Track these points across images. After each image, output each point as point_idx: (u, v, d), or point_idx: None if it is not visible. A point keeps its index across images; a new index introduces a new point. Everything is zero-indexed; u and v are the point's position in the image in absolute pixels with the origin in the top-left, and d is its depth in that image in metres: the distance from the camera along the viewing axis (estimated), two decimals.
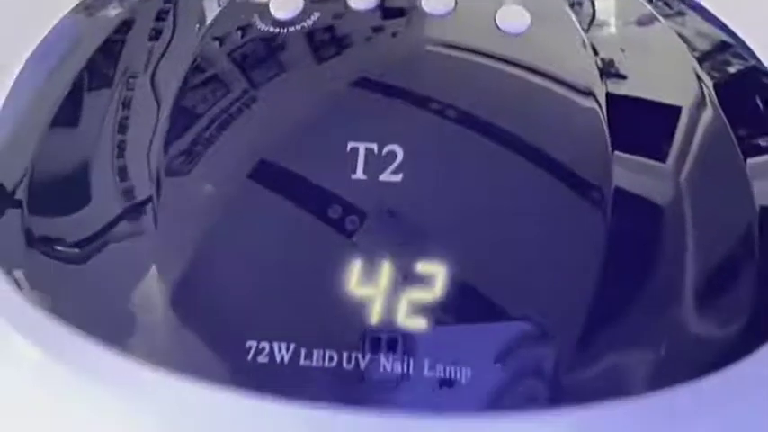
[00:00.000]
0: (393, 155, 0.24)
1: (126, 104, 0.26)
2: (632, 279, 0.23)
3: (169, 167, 0.24)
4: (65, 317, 0.24)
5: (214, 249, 0.24)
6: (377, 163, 0.24)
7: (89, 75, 0.27)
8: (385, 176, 0.24)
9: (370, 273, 0.23)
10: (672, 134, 0.26)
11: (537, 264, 0.23)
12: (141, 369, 0.23)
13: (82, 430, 0.24)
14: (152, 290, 0.23)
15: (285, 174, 0.24)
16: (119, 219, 0.24)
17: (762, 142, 0.27)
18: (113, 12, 0.29)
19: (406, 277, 0.23)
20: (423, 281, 0.23)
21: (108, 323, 0.24)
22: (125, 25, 0.28)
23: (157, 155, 0.25)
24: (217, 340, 0.23)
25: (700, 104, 0.27)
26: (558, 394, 0.22)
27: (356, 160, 0.24)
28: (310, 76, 0.26)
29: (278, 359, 0.22)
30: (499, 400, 0.22)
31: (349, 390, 0.22)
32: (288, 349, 0.22)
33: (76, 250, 0.25)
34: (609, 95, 0.26)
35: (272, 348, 0.22)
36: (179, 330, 0.23)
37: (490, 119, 0.25)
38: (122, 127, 0.26)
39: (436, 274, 0.23)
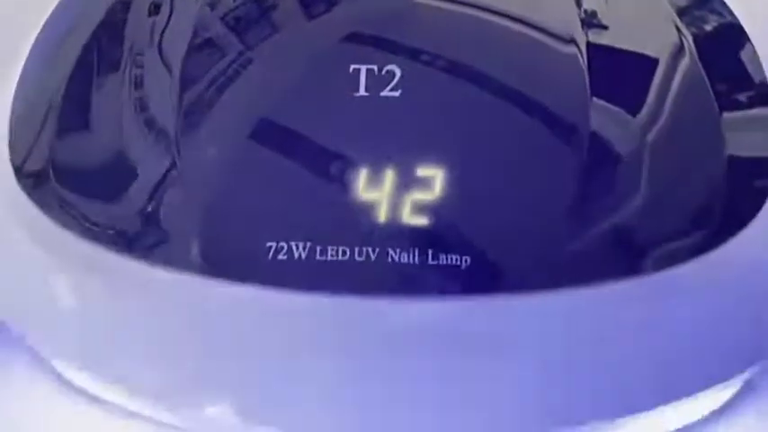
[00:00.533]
0: (392, 74, 0.26)
1: (138, 83, 0.29)
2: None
3: (189, 99, 0.27)
4: (92, 236, 0.26)
5: (234, 161, 0.26)
6: (378, 81, 0.26)
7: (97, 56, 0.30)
8: (386, 92, 0.26)
9: (375, 178, 0.25)
10: (649, 84, 0.28)
11: (523, 171, 0.26)
12: (169, 275, 0.25)
13: (114, 337, 0.26)
14: (176, 202, 0.26)
15: (295, 95, 0.26)
16: (141, 142, 0.27)
17: (739, 97, 0.30)
18: None
19: (408, 180, 0.25)
20: (423, 183, 0.25)
21: (134, 237, 0.26)
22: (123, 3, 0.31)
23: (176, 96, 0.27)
24: (239, 243, 0.25)
25: (679, 57, 0.29)
26: (548, 278, 0.25)
27: (358, 80, 0.26)
28: (307, 25, 0.29)
29: (296, 256, 0.24)
30: (498, 283, 0.24)
31: (361, 279, 0.24)
32: (304, 247, 0.25)
33: (101, 173, 0.27)
34: (590, 44, 0.28)
35: (289, 247, 0.25)
36: (203, 237, 0.25)
37: (476, 59, 0.27)
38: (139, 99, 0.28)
39: (435, 177, 0.25)
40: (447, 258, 0.24)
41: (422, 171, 0.25)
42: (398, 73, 0.26)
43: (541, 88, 0.27)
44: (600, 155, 0.26)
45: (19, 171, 0.28)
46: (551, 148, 0.26)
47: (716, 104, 0.28)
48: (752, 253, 0.27)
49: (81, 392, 0.30)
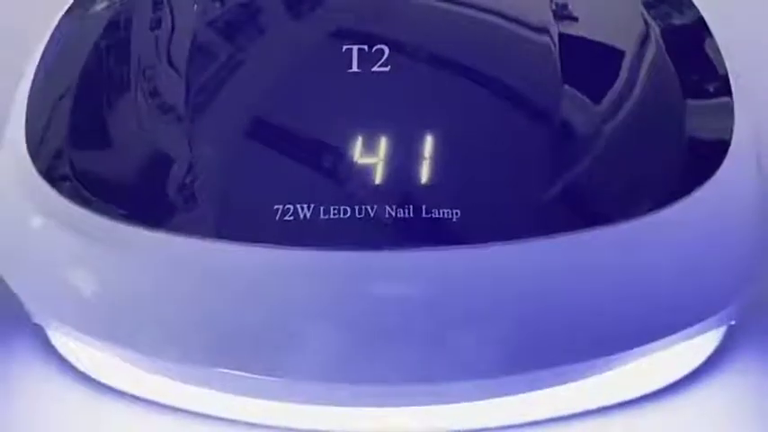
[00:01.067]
0: (381, 52, 0.29)
1: (148, 73, 0.31)
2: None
3: (197, 65, 0.29)
4: (104, 210, 0.29)
5: (239, 133, 0.29)
6: (368, 58, 0.29)
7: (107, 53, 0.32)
8: (377, 68, 0.29)
9: (371, 143, 0.28)
10: (619, 65, 0.31)
11: (502, 133, 0.29)
12: (184, 241, 0.28)
13: (132, 300, 0.28)
14: (188, 174, 0.28)
15: (295, 74, 0.29)
16: (152, 121, 0.29)
17: (703, 87, 0.32)
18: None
19: (401, 144, 0.28)
20: (414, 146, 0.28)
21: (147, 207, 0.28)
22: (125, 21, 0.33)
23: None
24: (248, 208, 0.27)
25: (646, 48, 0.32)
26: (528, 227, 0.27)
27: (352, 56, 0.29)
28: (300, 17, 0.31)
29: (301, 216, 0.27)
30: (486, 234, 0.27)
31: (362, 235, 0.27)
32: (309, 208, 0.27)
33: (113, 151, 0.29)
34: (561, 35, 0.31)
35: (295, 208, 0.27)
36: (215, 205, 0.28)
37: (457, 41, 0.30)
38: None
39: (424, 140, 0.28)
40: (439, 212, 0.27)
41: (412, 135, 0.28)
42: (387, 51, 0.29)
43: (517, 64, 0.30)
44: (572, 122, 0.29)
45: (36, 158, 0.30)
46: (527, 113, 0.29)
47: (681, 91, 0.31)
48: (708, 208, 0.29)
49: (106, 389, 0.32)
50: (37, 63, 0.33)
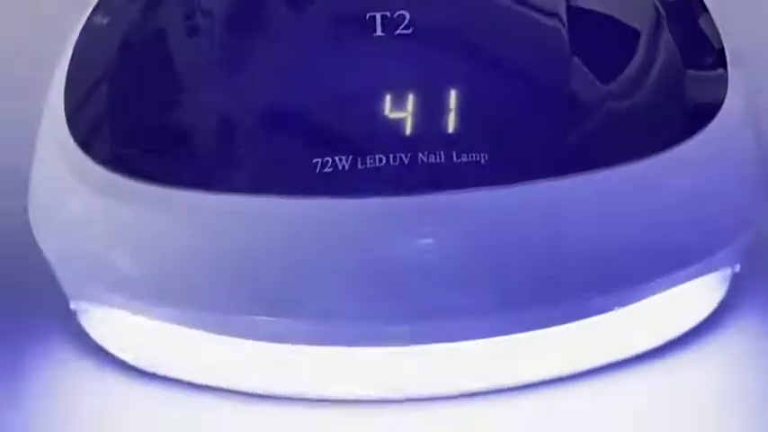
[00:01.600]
0: (402, 17, 0.31)
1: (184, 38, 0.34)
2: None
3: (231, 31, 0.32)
4: (143, 176, 0.31)
5: (277, 93, 0.31)
6: (391, 24, 0.31)
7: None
8: (400, 32, 0.31)
9: (401, 96, 0.30)
10: (625, 37, 0.33)
11: (520, 85, 0.31)
12: (227, 198, 0.30)
13: (182, 257, 0.30)
14: (230, 134, 0.30)
15: (326, 37, 0.32)
16: (187, 81, 0.32)
17: (702, 60, 0.34)
18: None
19: (428, 96, 0.30)
20: (440, 98, 0.30)
21: (188, 170, 0.30)
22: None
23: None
24: (290, 162, 0.30)
25: (650, 19, 0.34)
26: (549, 167, 0.29)
27: (376, 22, 0.31)
28: None
29: (340, 167, 0.29)
30: (512, 174, 0.29)
31: (398, 180, 0.29)
32: (347, 159, 0.29)
33: (152, 116, 0.32)
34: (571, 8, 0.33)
35: (334, 160, 0.29)
36: (258, 162, 0.30)
37: (471, 11, 0.33)
38: None
39: (450, 93, 0.30)
40: (469, 156, 0.29)
41: (438, 89, 0.30)
42: (408, 16, 0.31)
43: (529, 26, 0.32)
44: (583, 76, 0.31)
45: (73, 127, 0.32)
46: (542, 68, 0.31)
47: (681, 60, 0.33)
48: (710, 149, 0.32)
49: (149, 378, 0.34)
50: (76, 39, 0.35)
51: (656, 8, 0.34)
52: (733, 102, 0.33)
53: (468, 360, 0.31)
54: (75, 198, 0.32)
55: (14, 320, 0.38)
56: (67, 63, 0.34)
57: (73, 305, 0.35)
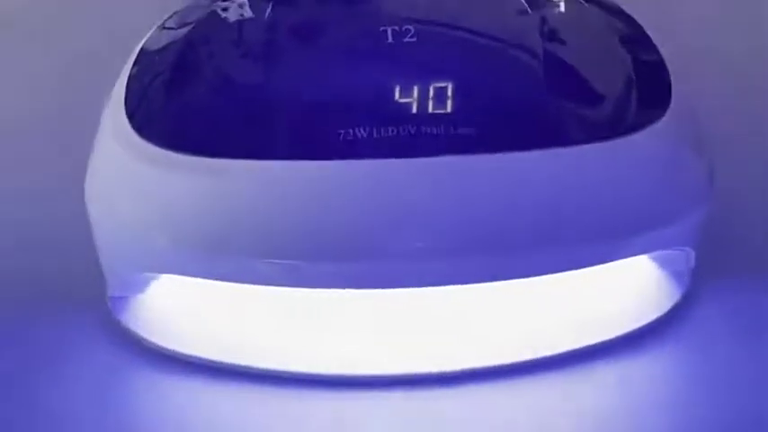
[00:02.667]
0: (408, 30, 0.40)
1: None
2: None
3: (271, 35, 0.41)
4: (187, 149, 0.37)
5: (308, 81, 0.39)
6: (399, 35, 0.40)
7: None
8: (406, 39, 0.39)
9: (408, 85, 0.38)
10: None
11: (504, 76, 0.40)
12: (267, 164, 0.37)
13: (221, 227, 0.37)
14: (268, 112, 0.38)
15: (348, 43, 0.40)
16: (231, 76, 0.40)
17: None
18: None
19: (431, 84, 0.38)
20: (440, 85, 0.38)
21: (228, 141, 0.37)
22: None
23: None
24: (318, 133, 0.37)
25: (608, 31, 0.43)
26: (528, 141, 0.37)
27: (387, 34, 0.40)
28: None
29: (359, 136, 0.36)
30: (497, 145, 0.37)
31: (407, 146, 0.36)
32: (365, 129, 0.36)
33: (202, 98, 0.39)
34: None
35: (354, 131, 0.36)
36: (293, 133, 0.37)
37: (464, 17, 0.42)
38: None
39: (448, 82, 0.38)
40: (464, 129, 0.37)
41: (439, 79, 0.38)
42: (413, 29, 0.40)
43: (510, 33, 0.42)
44: (554, 70, 0.40)
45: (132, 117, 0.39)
46: (520, 62, 0.40)
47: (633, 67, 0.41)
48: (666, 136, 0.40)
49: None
50: (141, 45, 0.43)
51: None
52: (676, 102, 0.41)
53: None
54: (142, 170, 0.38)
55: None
56: (130, 67, 0.42)
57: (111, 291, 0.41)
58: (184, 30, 0.43)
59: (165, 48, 0.42)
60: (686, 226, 0.41)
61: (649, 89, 0.41)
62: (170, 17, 0.44)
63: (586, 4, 0.44)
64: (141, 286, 0.42)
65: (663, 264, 0.43)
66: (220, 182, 0.37)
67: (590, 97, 0.40)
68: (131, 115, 0.40)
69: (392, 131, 0.37)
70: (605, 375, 0.40)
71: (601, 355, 0.41)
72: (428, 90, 0.38)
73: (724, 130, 0.45)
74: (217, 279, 0.39)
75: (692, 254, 0.42)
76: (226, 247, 0.37)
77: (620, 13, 0.45)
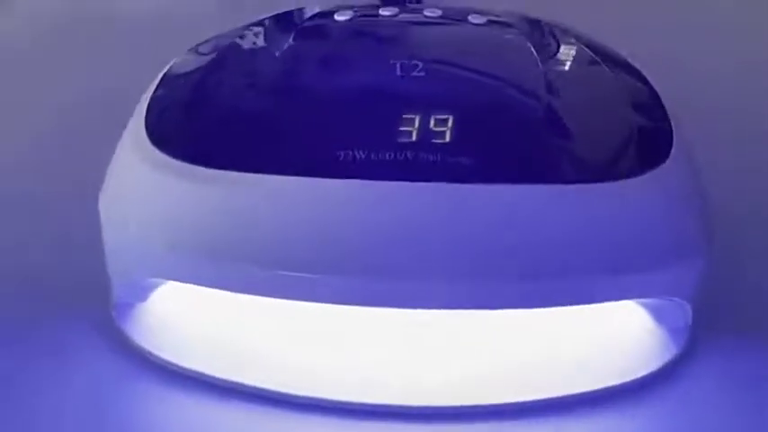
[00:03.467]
0: (416, 65, 0.41)
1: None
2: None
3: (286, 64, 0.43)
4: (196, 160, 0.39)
5: (316, 107, 0.40)
6: (408, 68, 0.41)
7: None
8: (414, 74, 0.41)
9: (412, 113, 0.39)
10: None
11: (504, 112, 0.41)
12: (271, 178, 0.38)
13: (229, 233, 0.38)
14: (277, 130, 0.40)
15: (361, 76, 0.42)
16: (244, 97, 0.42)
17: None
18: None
19: (432, 115, 0.39)
20: (441, 117, 0.39)
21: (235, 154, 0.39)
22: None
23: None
24: (318, 153, 0.39)
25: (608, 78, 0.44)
26: (521, 175, 0.38)
27: (396, 67, 0.41)
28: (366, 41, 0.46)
29: (357, 158, 0.38)
30: (490, 176, 0.38)
31: (401, 171, 0.38)
32: (362, 153, 0.38)
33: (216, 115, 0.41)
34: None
35: (353, 153, 0.38)
36: (299, 152, 0.39)
37: (469, 55, 0.44)
38: None
39: (448, 115, 0.39)
40: (459, 158, 0.38)
41: (439, 111, 0.40)
42: (420, 65, 0.41)
43: (510, 69, 0.43)
44: (555, 110, 0.41)
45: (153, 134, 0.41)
46: (521, 100, 0.42)
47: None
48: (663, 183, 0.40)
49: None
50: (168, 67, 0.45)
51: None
52: (677, 152, 0.41)
53: None
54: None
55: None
56: (153, 88, 0.44)
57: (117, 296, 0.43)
58: (207, 56, 0.45)
59: (186, 70, 0.45)
60: (677, 274, 0.41)
61: (648, 138, 0.42)
62: (197, 45, 0.47)
63: (593, 54, 0.46)
64: (145, 293, 0.43)
65: (659, 318, 0.43)
66: (226, 192, 0.38)
67: (585, 141, 0.41)
68: (149, 127, 0.42)
69: (392, 156, 0.38)
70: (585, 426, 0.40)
71: (582, 405, 0.41)
72: (429, 120, 0.39)
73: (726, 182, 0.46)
74: (216, 287, 0.40)
75: (689, 308, 0.42)
76: (222, 254, 0.38)
77: (625, 65, 0.46)
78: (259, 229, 0.38)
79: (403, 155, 0.38)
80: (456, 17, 0.48)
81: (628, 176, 0.39)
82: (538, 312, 0.42)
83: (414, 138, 0.39)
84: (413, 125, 0.39)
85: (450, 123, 0.39)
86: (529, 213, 0.38)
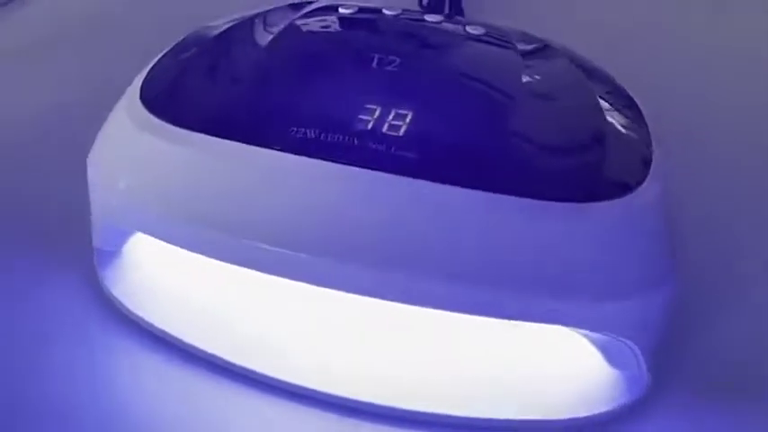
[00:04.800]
0: (393, 60, 0.43)
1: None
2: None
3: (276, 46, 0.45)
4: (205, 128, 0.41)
5: (297, 88, 0.43)
6: (383, 63, 0.43)
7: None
8: (389, 68, 0.43)
9: (377, 103, 0.41)
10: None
11: (472, 110, 0.42)
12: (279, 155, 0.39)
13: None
14: (260, 106, 0.42)
15: (340, 65, 0.44)
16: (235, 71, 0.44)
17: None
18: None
19: (396, 106, 0.41)
20: (402, 108, 0.41)
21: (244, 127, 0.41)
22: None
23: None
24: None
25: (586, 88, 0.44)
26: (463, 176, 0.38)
27: (373, 61, 0.43)
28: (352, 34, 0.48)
29: (309, 136, 0.40)
30: (434, 174, 0.38)
31: (357, 158, 0.39)
32: (316, 132, 0.40)
33: (210, 91, 0.43)
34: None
35: (306, 131, 0.40)
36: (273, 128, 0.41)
37: (444, 52, 0.46)
38: None
39: (410, 107, 0.41)
40: (411, 153, 0.39)
41: (402, 103, 0.41)
42: (397, 60, 0.43)
43: (489, 71, 0.44)
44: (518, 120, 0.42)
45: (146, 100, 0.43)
46: (495, 99, 0.43)
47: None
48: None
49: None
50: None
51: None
52: (648, 183, 0.40)
53: None
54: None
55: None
56: (151, 63, 0.47)
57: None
58: (208, 36, 0.48)
59: (185, 46, 0.48)
60: (618, 310, 0.39)
61: (619, 164, 0.41)
62: (203, 26, 0.50)
63: (581, 73, 0.46)
64: (124, 241, 0.45)
65: (614, 362, 0.42)
66: (204, 156, 0.40)
67: (549, 155, 0.41)
68: (143, 92, 0.44)
69: (347, 139, 0.39)
70: None
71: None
72: (397, 108, 0.40)
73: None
74: (185, 247, 0.41)
75: (639, 354, 0.41)
76: (196, 217, 0.40)
77: (609, 81, 0.46)
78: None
79: (354, 140, 0.39)
80: (456, 25, 0.49)
81: (582, 200, 0.38)
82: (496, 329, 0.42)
83: (369, 127, 0.40)
84: (372, 115, 0.40)
85: (407, 118, 0.40)
86: (461, 215, 0.38)
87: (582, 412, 0.41)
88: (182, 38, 0.49)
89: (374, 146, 0.39)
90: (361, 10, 0.49)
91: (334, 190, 0.38)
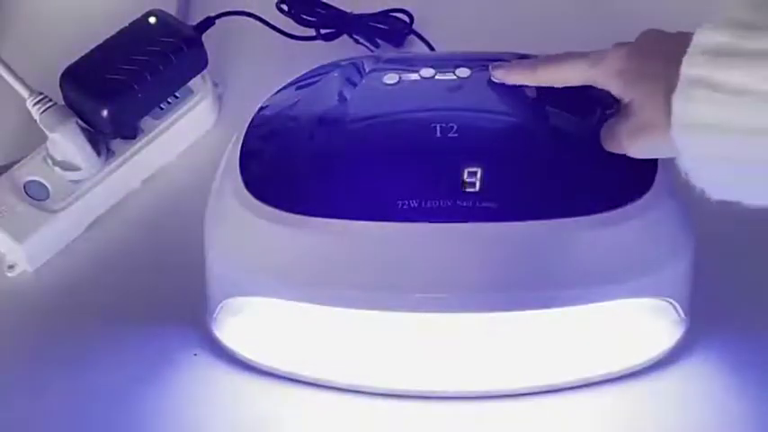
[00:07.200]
0: (453, 127, 0.53)
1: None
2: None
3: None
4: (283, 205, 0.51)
5: (374, 163, 0.53)
6: (446, 130, 0.53)
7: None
8: (451, 135, 0.53)
9: (449, 170, 0.52)
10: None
11: (527, 163, 0.53)
12: (342, 223, 0.51)
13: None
14: (347, 184, 0.52)
15: (408, 136, 0.54)
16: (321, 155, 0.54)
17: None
18: None
19: (467, 169, 0.51)
20: (474, 169, 0.51)
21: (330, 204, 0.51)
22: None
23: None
24: (382, 202, 0.51)
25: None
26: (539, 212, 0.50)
27: (436, 130, 0.53)
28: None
29: (412, 206, 0.50)
30: (516, 215, 0.50)
31: (440, 212, 0.50)
32: (416, 201, 0.50)
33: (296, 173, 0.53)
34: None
35: (409, 202, 0.50)
36: (366, 202, 0.51)
37: (496, 115, 0.56)
38: None
39: (480, 166, 0.51)
40: (489, 204, 0.50)
41: (472, 164, 0.51)
42: (456, 126, 0.53)
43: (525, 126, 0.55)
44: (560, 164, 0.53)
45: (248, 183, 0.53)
46: (538, 153, 0.53)
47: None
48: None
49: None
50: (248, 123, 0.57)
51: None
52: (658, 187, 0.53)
53: None
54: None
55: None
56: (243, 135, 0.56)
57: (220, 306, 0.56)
58: (292, 113, 0.57)
59: (268, 119, 0.57)
60: (663, 277, 0.53)
61: (634, 174, 0.53)
62: (280, 89, 0.59)
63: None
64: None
65: (657, 315, 0.56)
66: (310, 235, 0.51)
67: (584, 180, 0.52)
68: (244, 175, 0.54)
69: (437, 203, 0.50)
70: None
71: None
72: (469, 171, 0.51)
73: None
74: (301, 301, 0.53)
75: (678, 306, 0.55)
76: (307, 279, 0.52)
77: None
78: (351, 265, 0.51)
79: (447, 203, 0.50)
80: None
81: (615, 207, 0.51)
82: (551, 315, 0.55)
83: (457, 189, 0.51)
84: (450, 176, 0.51)
85: (482, 174, 0.51)
86: (547, 241, 0.51)
87: (644, 357, 0.57)
88: (260, 106, 0.57)
89: (462, 204, 0.50)
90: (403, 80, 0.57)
91: (454, 242, 0.50)
